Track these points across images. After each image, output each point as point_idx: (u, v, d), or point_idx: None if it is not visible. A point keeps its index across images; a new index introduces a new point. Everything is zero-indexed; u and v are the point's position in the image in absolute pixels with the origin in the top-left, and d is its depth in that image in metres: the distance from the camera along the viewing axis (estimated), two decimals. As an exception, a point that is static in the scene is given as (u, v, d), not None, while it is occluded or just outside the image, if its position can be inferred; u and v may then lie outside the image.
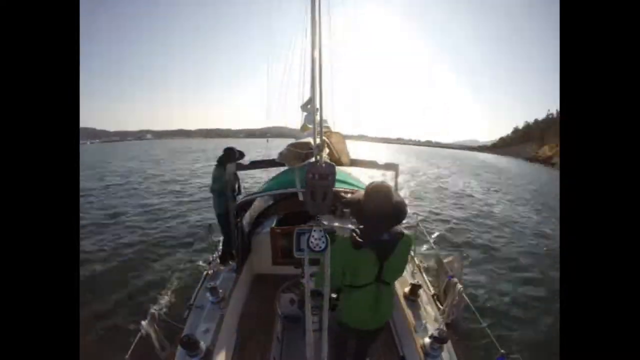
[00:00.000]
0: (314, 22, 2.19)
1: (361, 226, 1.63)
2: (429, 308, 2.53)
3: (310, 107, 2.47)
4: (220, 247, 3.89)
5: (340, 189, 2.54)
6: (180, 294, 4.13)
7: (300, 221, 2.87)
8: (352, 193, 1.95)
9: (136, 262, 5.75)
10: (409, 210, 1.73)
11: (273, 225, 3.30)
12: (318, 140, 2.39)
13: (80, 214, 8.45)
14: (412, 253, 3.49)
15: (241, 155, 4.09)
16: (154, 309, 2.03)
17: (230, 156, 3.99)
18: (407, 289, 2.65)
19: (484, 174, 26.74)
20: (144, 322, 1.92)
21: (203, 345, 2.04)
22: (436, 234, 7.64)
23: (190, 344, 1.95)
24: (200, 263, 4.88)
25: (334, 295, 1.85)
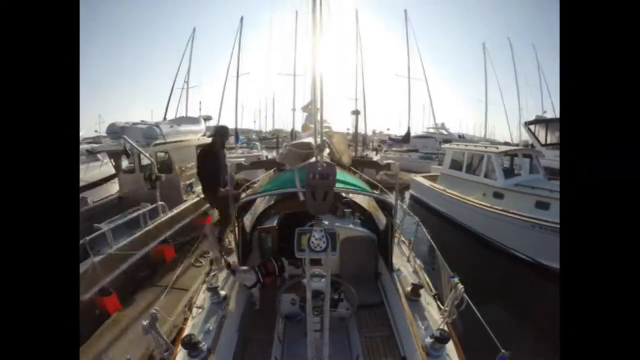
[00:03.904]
0: (315, 22, 2.20)
1: None
2: (430, 308, 2.53)
3: (310, 107, 2.48)
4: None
5: (341, 189, 2.54)
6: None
7: (301, 221, 2.87)
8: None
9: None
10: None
11: (274, 225, 3.30)
12: (319, 140, 2.39)
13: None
14: (412, 253, 3.48)
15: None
16: (155, 309, 2.03)
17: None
18: (408, 289, 2.64)
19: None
20: (145, 322, 1.92)
21: (204, 345, 2.04)
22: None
23: (192, 344, 1.96)
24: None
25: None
